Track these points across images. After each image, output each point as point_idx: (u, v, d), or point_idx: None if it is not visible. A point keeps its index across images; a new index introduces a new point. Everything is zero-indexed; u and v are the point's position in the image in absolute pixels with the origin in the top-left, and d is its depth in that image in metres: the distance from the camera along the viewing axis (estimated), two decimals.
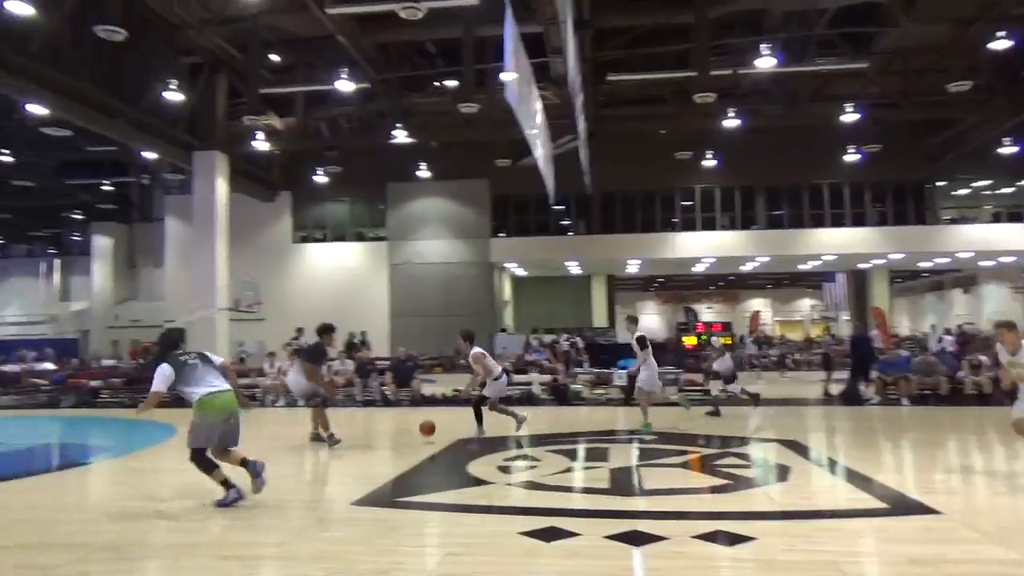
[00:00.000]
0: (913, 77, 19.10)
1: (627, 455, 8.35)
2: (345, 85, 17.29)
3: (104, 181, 28.38)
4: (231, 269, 20.37)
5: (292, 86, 19.50)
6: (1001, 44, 15.39)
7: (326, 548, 4.72)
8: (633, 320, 11.68)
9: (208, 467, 5.89)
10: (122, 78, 16.73)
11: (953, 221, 24.94)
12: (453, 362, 20.92)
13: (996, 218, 24.93)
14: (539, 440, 9.65)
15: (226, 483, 5.84)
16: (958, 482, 6.95)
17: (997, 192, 25.31)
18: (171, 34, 17.09)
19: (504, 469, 7.52)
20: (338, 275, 25.42)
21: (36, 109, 16.27)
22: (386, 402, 15.10)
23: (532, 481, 6.90)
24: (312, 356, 9.62)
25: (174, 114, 18.29)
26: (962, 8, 15.35)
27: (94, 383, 17.10)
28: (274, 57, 18.59)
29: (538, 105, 12.84)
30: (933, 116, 21.45)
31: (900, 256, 25.39)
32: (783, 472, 7.18)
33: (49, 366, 19.31)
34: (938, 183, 25.01)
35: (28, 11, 12.52)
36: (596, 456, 8.39)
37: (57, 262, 33.01)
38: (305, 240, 26.55)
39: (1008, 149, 21.41)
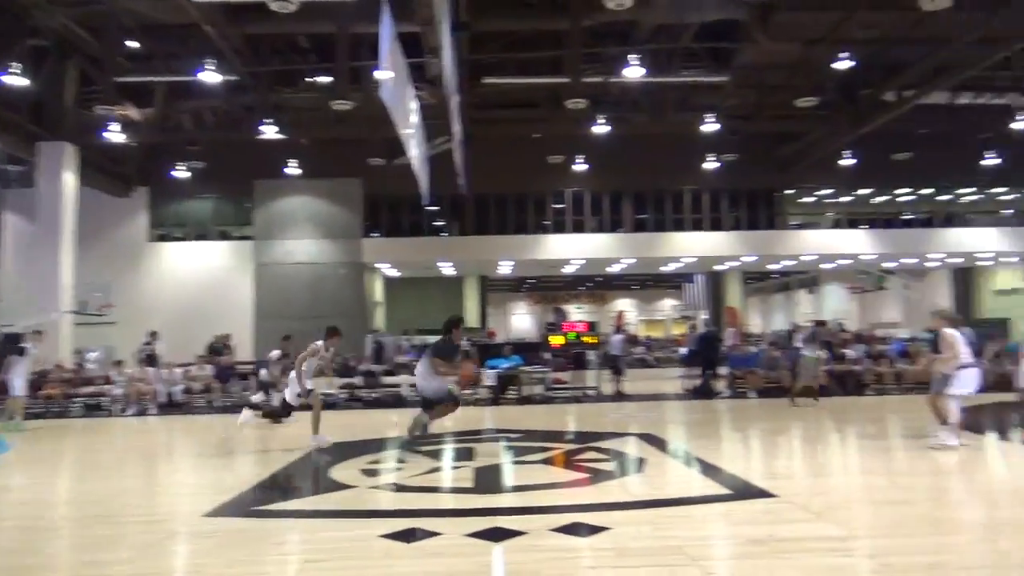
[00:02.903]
0: (767, 92, 20.43)
1: (493, 453, 8.46)
2: (210, 76, 16.49)
3: None
4: (78, 269, 18.94)
5: (151, 75, 18.37)
6: (843, 64, 16.82)
7: (175, 563, 4.50)
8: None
9: None
10: None
11: (799, 227, 26.88)
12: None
13: (837, 224, 27.08)
14: (406, 442, 9.59)
15: None
16: (795, 467, 7.53)
17: (838, 200, 27.50)
18: (15, 13, 15.69)
19: (368, 472, 7.43)
20: (199, 276, 24.20)
21: None
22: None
23: (396, 483, 6.86)
24: (444, 351, 8.70)
25: (17, 101, 16.81)
26: (810, 29, 16.54)
27: None
28: (132, 44, 17.44)
29: (414, 105, 12.77)
30: (783, 129, 23.05)
31: (752, 259, 27.10)
32: (640, 464, 7.51)
33: None
34: (786, 191, 26.86)
35: None
36: (462, 456, 8.44)
37: None
38: (163, 239, 25.07)
39: (848, 161, 23.33)
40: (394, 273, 29.56)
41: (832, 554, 4.38)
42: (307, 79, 19.33)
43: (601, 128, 20.48)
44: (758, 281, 42.29)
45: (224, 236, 25.50)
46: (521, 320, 50.17)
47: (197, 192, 25.03)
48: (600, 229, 26.22)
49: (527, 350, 17.86)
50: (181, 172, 23.62)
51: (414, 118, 12.70)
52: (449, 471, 7.69)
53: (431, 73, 16.25)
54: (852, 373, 15.50)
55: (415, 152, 13.37)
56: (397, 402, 14.84)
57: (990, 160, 23.59)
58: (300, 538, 5.13)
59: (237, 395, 14.83)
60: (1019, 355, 11.14)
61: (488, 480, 6.93)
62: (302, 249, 24.46)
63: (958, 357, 7.97)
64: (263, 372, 13.19)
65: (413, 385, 15.36)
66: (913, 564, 4.13)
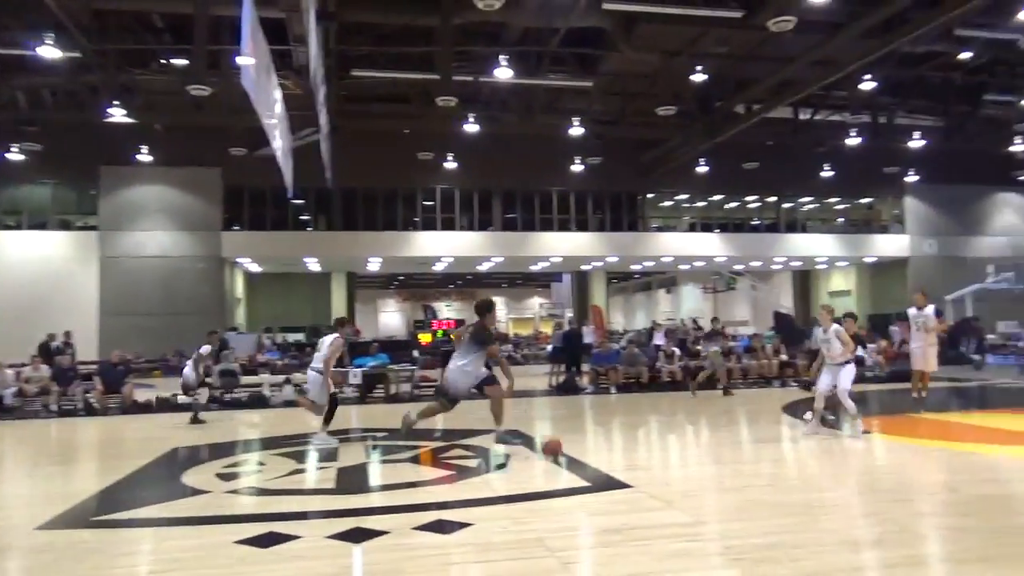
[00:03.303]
0: (630, 99, 21.30)
1: (358, 453, 8.33)
2: (49, 52, 15.16)
3: None
4: None
5: None
6: (699, 77, 17.80)
7: None
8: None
9: None
10: None
11: (659, 229, 28.23)
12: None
13: (692, 227, 28.66)
14: (267, 443, 9.27)
15: None
16: (650, 459, 7.92)
17: (694, 205, 29.11)
18: None
19: (224, 476, 7.12)
20: (36, 268, 22.26)
21: None
22: (90, 411, 13.44)
23: (254, 487, 6.63)
24: (484, 339, 7.94)
25: None
26: (669, 42, 17.38)
27: None
28: None
29: (278, 94, 12.29)
30: (645, 135, 24.13)
31: (615, 259, 28.19)
32: (505, 460, 7.63)
33: None
34: (648, 195, 28.16)
35: None
36: (325, 457, 8.25)
37: None
38: None
39: (703, 168, 24.76)
40: (256, 268, 28.45)
41: (681, 539, 4.64)
42: (162, 61, 18.21)
43: (471, 127, 20.62)
44: (621, 281, 44.01)
45: (65, 225, 23.62)
46: (391, 317, 49.66)
47: (34, 177, 23.01)
48: (470, 227, 26.40)
49: (395, 348, 17.70)
50: (15, 154, 21.62)
51: (278, 108, 12.22)
52: (311, 472, 7.50)
53: (297, 62, 15.75)
54: (704, 368, 16.40)
55: (279, 143, 12.87)
56: (258, 402, 14.27)
57: (826, 172, 25.77)
58: (148, 548, 4.84)
59: (79, 398, 13.72)
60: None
61: (351, 481, 6.82)
62: (155, 242, 23.05)
63: (854, 351, 8.67)
64: (187, 371, 12.13)
65: (276, 385, 14.93)
66: (753, 546, 4.45)
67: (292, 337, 26.80)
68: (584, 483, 6.43)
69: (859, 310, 30.12)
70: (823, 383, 8.65)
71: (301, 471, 7.47)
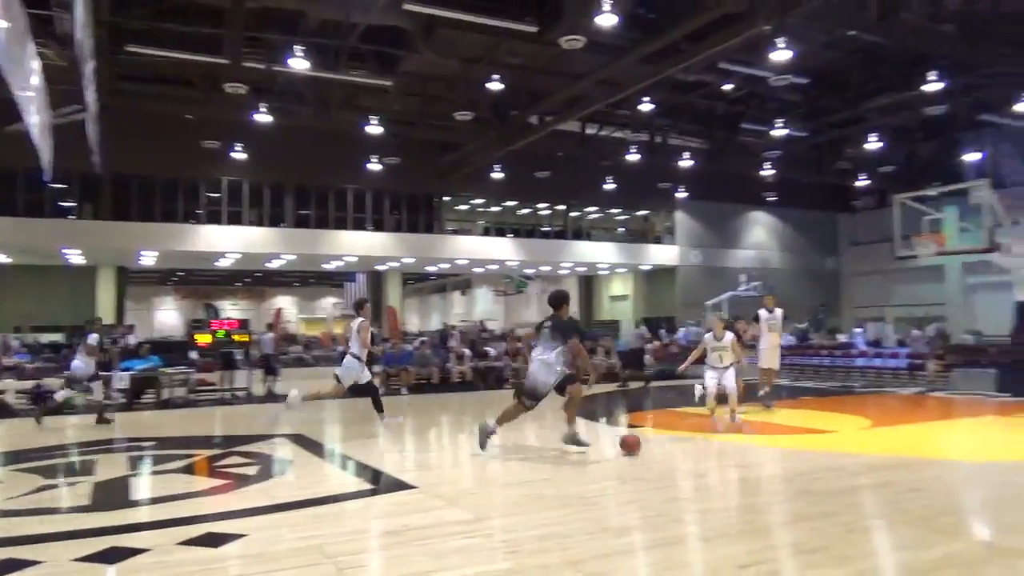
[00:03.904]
0: (429, 101, 21.39)
1: (120, 465, 7.60)
2: None
3: None
4: None
5: None
6: (496, 86, 18.29)
7: None
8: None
9: None
10: None
11: (455, 232, 28.68)
12: None
13: (487, 231, 29.43)
14: (9, 458, 8.19)
15: None
16: (436, 459, 8.01)
17: (489, 210, 29.92)
18: None
19: None
20: None
21: None
22: None
23: None
24: (569, 328, 7.52)
25: None
26: (468, 49, 17.67)
27: None
28: None
29: (36, 64, 10.87)
30: (443, 138, 24.35)
31: (411, 260, 28.23)
32: (284, 466, 7.35)
33: None
34: (445, 198, 28.49)
35: None
36: (80, 470, 7.45)
37: None
38: None
39: (498, 174, 25.48)
40: (3, 259, 25.03)
41: (461, 536, 4.74)
42: None
43: (263, 117, 19.62)
44: (417, 282, 44.13)
45: None
46: (169, 316, 45.96)
47: None
48: (259, 222, 25.14)
49: (170, 349, 16.38)
50: None
51: (35, 79, 10.84)
52: (63, 489, 6.73)
53: (61, 30, 14.09)
54: (492, 369, 16.97)
55: (36, 119, 11.42)
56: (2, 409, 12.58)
57: (609, 185, 27.63)
58: None
59: None
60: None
61: (110, 496, 6.20)
62: None
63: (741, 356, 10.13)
64: (78, 363, 11.00)
65: (23, 392, 13.23)
66: (528, 538, 4.66)
67: (47, 338, 23.87)
68: (369, 486, 6.37)
69: (635, 313, 32.67)
70: (710, 382, 10.03)
71: (51, 487, 6.68)
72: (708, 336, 10.29)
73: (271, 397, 14.12)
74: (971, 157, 26.58)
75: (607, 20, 12.96)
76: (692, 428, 9.99)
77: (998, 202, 14.53)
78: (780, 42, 14.57)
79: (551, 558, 4.24)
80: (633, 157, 23.74)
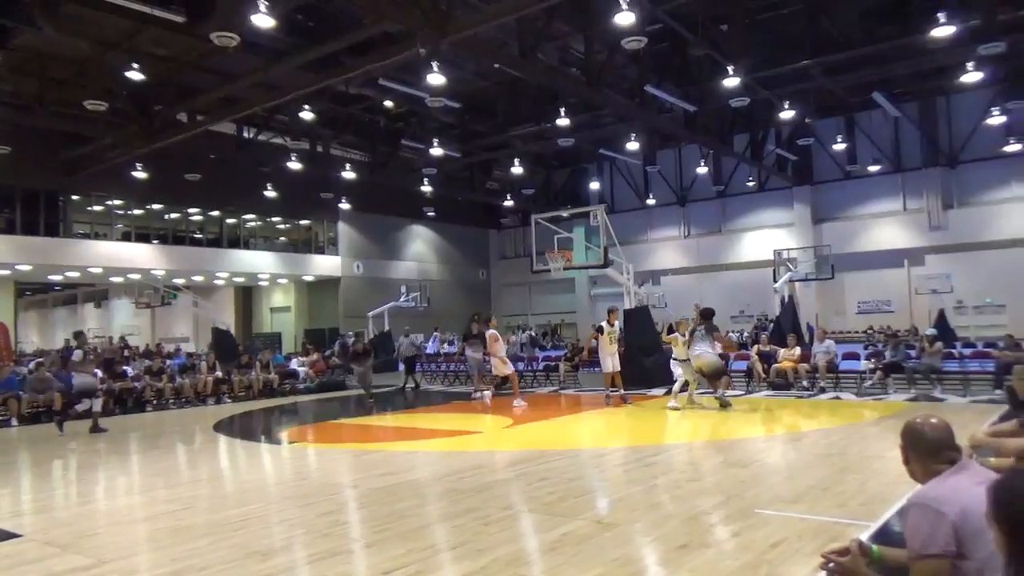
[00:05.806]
0: (51, 85, 18.49)
1: None
2: None
3: None
4: None
5: None
6: (136, 75, 16.41)
7: None
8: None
9: None
10: None
11: (86, 236, 25.18)
12: None
13: (127, 236, 26.31)
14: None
15: None
16: (48, 500, 6.90)
17: (129, 212, 26.77)
18: None
19: None
20: None
21: None
22: None
23: None
24: (714, 329, 11.88)
25: None
26: (105, 32, 15.68)
27: None
28: None
29: None
30: (71, 128, 21.20)
31: (27, 267, 24.16)
32: None
33: None
34: (74, 196, 24.86)
35: None
36: None
37: None
38: None
39: (141, 174, 22.86)
40: None
41: None
42: None
43: None
44: (37, 293, 37.97)
45: None
46: None
47: None
48: None
49: None
50: None
51: None
52: None
53: None
54: (131, 390, 15.16)
55: None
56: None
57: (270, 192, 26.59)
58: None
59: None
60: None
61: None
62: None
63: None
64: (76, 378, 11.39)
65: None
66: (159, 575, 4.23)
67: None
68: None
69: (298, 325, 31.87)
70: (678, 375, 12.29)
71: None
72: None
73: None
74: (594, 185, 30.92)
75: (263, 21, 12.44)
76: (349, 439, 10.01)
77: (610, 225, 16.94)
78: (435, 66, 15.37)
79: None
80: (295, 165, 23.17)
